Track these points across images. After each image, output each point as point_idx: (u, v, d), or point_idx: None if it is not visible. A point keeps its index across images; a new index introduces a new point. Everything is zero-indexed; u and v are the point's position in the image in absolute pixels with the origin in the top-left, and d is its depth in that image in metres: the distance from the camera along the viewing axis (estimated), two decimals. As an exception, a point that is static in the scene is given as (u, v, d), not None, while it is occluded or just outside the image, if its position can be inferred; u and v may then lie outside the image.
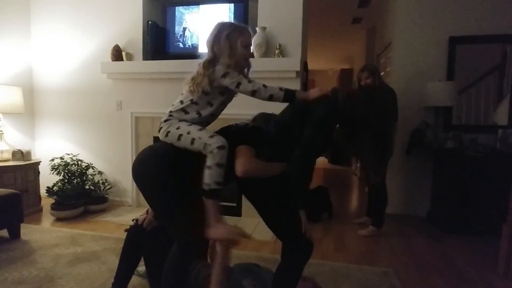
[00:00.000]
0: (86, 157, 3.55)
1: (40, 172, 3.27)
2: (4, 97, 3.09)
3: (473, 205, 2.86)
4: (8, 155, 3.13)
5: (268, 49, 3.00)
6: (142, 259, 1.72)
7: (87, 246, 2.43)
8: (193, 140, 1.35)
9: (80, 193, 3.21)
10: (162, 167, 1.35)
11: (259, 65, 2.85)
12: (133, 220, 1.72)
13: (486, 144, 3.09)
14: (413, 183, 3.50)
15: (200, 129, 1.38)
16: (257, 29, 2.97)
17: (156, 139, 3.25)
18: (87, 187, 3.36)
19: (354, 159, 4.58)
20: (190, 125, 1.40)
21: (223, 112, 1.53)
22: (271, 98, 1.38)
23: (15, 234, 2.54)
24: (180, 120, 1.42)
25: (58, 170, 3.22)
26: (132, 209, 3.44)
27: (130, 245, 1.66)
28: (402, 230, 3.03)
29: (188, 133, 1.36)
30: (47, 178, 3.28)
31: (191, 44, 3.31)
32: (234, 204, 3.20)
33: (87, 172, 3.40)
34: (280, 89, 1.38)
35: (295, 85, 2.93)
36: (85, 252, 2.33)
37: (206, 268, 1.53)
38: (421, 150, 3.37)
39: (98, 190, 3.42)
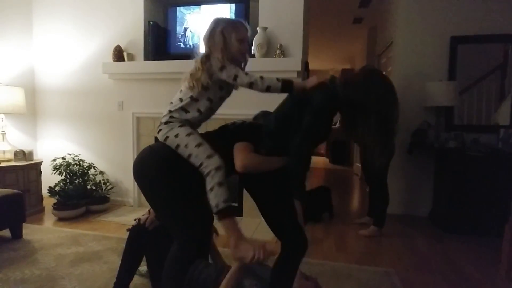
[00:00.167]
0: (87, 157, 3.56)
1: (42, 172, 3.29)
2: (6, 97, 3.10)
3: (475, 205, 2.85)
4: (10, 155, 3.15)
5: (269, 49, 3.00)
6: (144, 258, 1.72)
7: (89, 246, 2.44)
8: (189, 156, 1.35)
9: (81, 193, 3.22)
10: (161, 166, 1.35)
11: (260, 65, 2.86)
12: (135, 219, 1.73)
13: (488, 144, 3.08)
14: (414, 183, 3.50)
15: (198, 145, 1.35)
16: (258, 29, 2.97)
17: (157, 139, 3.24)
18: (88, 187, 3.38)
19: (357, 144, 4.52)
20: (189, 135, 1.37)
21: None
22: (268, 89, 1.37)
23: (17, 234, 2.55)
24: (181, 123, 1.41)
25: (60, 170, 3.23)
26: (133, 209, 3.45)
27: (132, 245, 1.66)
28: (404, 230, 3.03)
29: (186, 146, 1.35)
30: (49, 178, 3.30)
31: (192, 44, 3.31)
32: (236, 204, 3.20)
33: (89, 172, 3.41)
34: (277, 79, 1.37)
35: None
36: (87, 252, 2.33)
37: (207, 268, 1.52)
38: (423, 150, 3.37)
39: (99, 190, 3.43)
